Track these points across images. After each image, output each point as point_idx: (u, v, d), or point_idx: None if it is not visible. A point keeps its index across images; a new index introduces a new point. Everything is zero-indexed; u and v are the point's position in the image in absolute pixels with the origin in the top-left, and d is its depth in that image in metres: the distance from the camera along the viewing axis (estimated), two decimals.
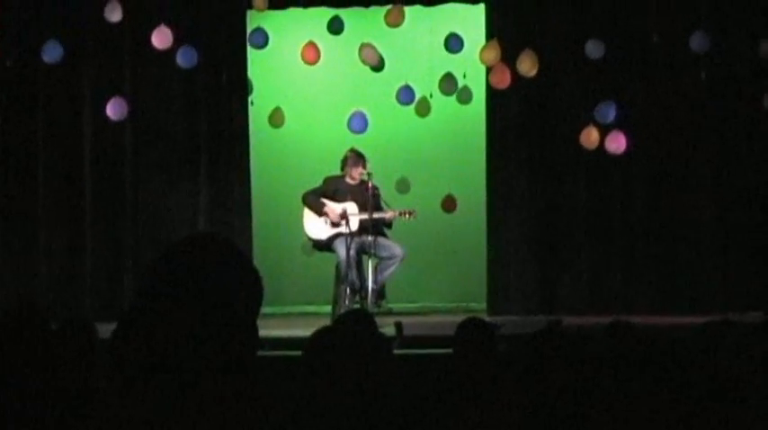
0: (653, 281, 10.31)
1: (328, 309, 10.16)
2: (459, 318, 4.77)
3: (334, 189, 10.20)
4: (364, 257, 10.13)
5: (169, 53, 9.94)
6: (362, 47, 10.37)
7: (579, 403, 3.40)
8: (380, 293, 10.13)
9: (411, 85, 10.50)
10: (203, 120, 10.68)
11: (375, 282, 9.99)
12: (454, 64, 10.46)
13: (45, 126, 10.52)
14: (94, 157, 10.56)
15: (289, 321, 9.73)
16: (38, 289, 10.38)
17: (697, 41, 9.72)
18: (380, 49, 10.46)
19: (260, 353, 2.07)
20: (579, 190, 10.43)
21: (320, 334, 3.50)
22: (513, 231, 10.51)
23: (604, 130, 9.85)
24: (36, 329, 3.30)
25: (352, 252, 9.92)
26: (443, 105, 10.77)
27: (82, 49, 10.33)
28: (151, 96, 10.58)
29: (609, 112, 9.85)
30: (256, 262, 9.05)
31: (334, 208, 10.10)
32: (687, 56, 9.91)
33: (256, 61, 10.75)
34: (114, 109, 10.00)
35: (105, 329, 4.18)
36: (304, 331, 5.36)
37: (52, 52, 9.85)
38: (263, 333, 2.11)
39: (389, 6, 10.17)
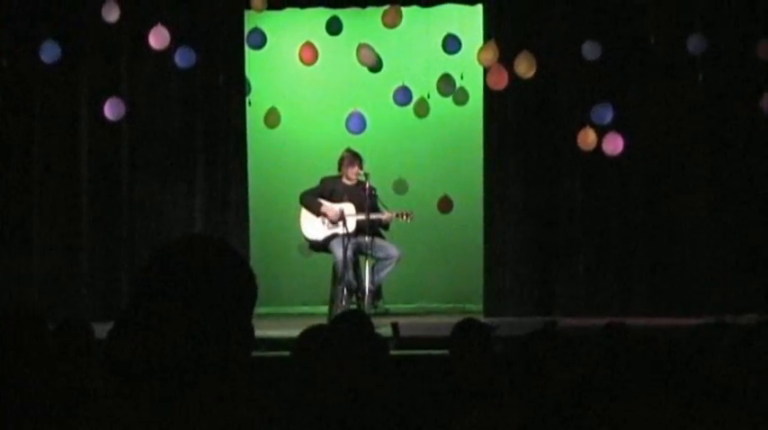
0: (649, 282, 10.32)
1: (325, 309, 10.16)
2: (456, 319, 4.78)
3: (330, 189, 10.20)
4: (361, 258, 10.13)
5: (166, 53, 9.94)
6: (360, 47, 10.38)
7: (575, 405, 3.41)
8: (377, 294, 10.13)
9: (408, 85, 10.50)
10: (200, 121, 10.69)
11: (372, 282, 9.99)
12: (452, 65, 10.46)
13: (41, 126, 10.52)
14: (91, 157, 10.55)
15: (285, 322, 9.72)
16: (34, 289, 10.37)
17: (694, 43, 9.73)
18: (378, 50, 10.47)
19: (256, 353, 2.08)
20: (576, 191, 10.44)
21: (308, 333, 3.51)
22: (509, 232, 10.52)
23: (601, 132, 9.86)
24: (32, 330, 3.30)
25: (349, 253, 9.92)
26: (441, 106, 10.77)
27: (79, 49, 10.33)
28: (148, 96, 10.58)
29: (606, 114, 9.86)
30: (253, 262, 9.04)
31: (331, 207, 10.10)
32: (684, 58, 9.92)
33: (254, 62, 10.75)
34: (112, 109, 10.00)
35: (102, 330, 4.20)
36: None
37: (50, 52, 9.85)
38: (259, 333, 2.12)
39: (387, 7, 10.18)
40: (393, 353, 6.30)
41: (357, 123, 10.47)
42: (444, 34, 10.39)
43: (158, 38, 9.83)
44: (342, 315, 4.85)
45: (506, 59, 9.85)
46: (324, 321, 7.21)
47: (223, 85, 10.56)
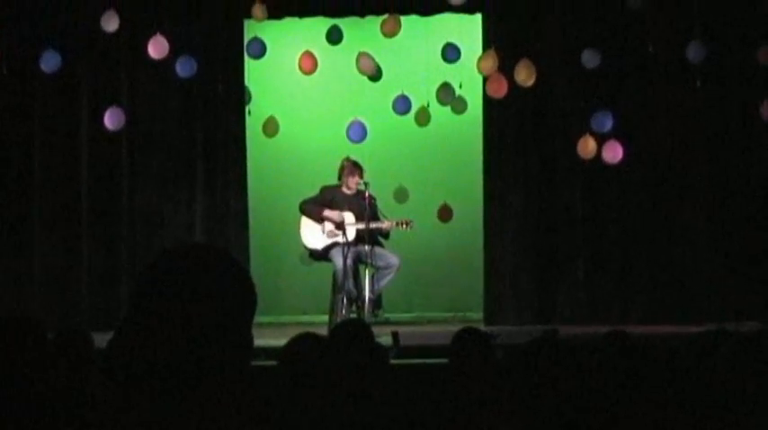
0: (649, 290, 10.31)
1: (325, 318, 10.15)
2: (456, 328, 4.78)
3: (330, 198, 10.20)
4: (361, 267, 10.13)
5: (166, 63, 9.94)
6: (359, 56, 10.39)
7: (576, 413, 3.40)
8: (377, 303, 10.12)
9: (407, 94, 10.51)
10: (200, 130, 10.69)
11: (372, 291, 9.98)
12: (451, 74, 10.47)
13: (41, 135, 10.52)
14: (91, 167, 10.56)
15: (285, 331, 9.68)
16: (34, 298, 10.37)
17: (693, 51, 9.73)
18: (377, 59, 10.47)
19: (256, 362, 2.07)
20: (576, 199, 10.43)
21: (296, 341, 3.50)
22: (509, 241, 10.51)
23: (601, 140, 9.86)
24: (32, 339, 3.30)
25: (349, 261, 9.92)
26: (441, 115, 10.78)
27: (78, 59, 10.33)
28: (147, 106, 10.58)
29: (605, 122, 9.87)
30: (253, 271, 9.04)
31: (333, 212, 10.09)
32: (683, 65, 9.93)
33: (254, 71, 10.76)
34: (112, 119, 10.00)
35: (101, 339, 4.19)
36: None
37: (51, 61, 9.86)
38: (259, 342, 2.11)
39: (386, 16, 10.18)
40: (393, 361, 6.30)
41: (358, 132, 10.47)
42: (443, 43, 10.39)
43: (157, 47, 9.84)
44: (342, 324, 4.85)
45: (506, 68, 9.85)
46: (324, 330, 7.22)
47: (222, 94, 10.56)
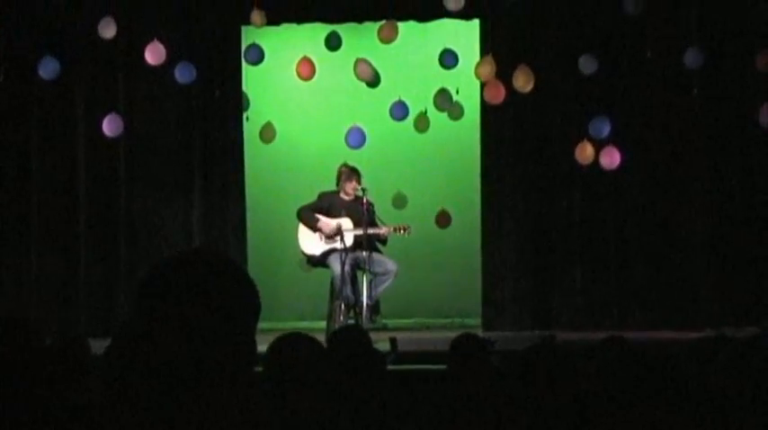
0: (647, 296, 10.31)
1: (322, 324, 10.14)
2: (454, 334, 4.77)
3: (328, 204, 10.20)
4: (359, 273, 10.12)
5: (164, 69, 9.94)
6: (357, 62, 10.39)
7: (574, 418, 3.39)
8: (375, 309, 10.11)
9: (405, 100, 10.52)
10: (198, 136, 10.69)
11: (369, 297, 9.98)
12: (448, 79, 10.47)
13: (39, 141, 10.52)
14: (88, 173, 10.55)
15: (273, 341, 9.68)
16: (31, 304, 10.36)
17: (691, 57, 9.74)
18: (375, 65, 10.48)
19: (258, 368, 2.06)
20: (573, 205, 10.43)
21: (281, 341, 3.49)
22: (507, 247, 10.51)
23: (599, 145, 9.86)
24: (29, 345, 3.29)
25: (347, 267, 9.91)
26: (438, 121, 10.78)
27: (76, 65, 10.33)
28: (145, 112, 10.58)
29: (603, 128, 9.87)
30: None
31: (327, 222, 10.09)
32: (681, 71, 9.93)
33: (252, 77, 10.75)
34: (110, 125, 10.00)
35: (98, 345, 4.18)
36: None
37: (49, 68, 9.86)
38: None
39: (383, 22, 10.19)
40: (391, 367, 6.29)
41: (357, 138, 10.48)
42: (441, 49, 10.40)
43: (154, 53, 9.84)
44: (340, 330, 4.84)
45: (503, 74, 9.86)
46: (322, 336, 7.21)
47: (220, 100, 10.57)
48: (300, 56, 10.39)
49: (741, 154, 10.26)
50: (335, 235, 10.03)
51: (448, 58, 10.30)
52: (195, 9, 10.46)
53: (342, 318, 9.94)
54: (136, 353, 1.87)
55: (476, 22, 10.57)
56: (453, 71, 10.38)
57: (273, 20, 10.19)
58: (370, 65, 10.41)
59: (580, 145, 9.86)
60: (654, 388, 3.21)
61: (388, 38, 10.14)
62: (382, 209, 10.46)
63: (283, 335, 3.55)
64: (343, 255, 9.91)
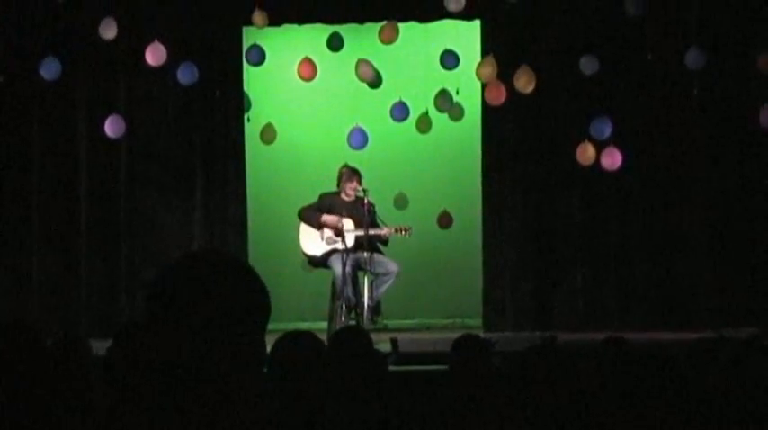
0: (648, 297, 10.31)
1: (324, 325, 10.14)
2: (455, 335, 4.78)
3: (329, 205, 10.20)
4: (360, 274, 10.12)
5: (165, 70, 9.95)
6: (359, 63, 10.40)
7: (575, 419, 3.40)
8: (376, 310, 10.11)
9: (406, 101, 10.52)
10: (199, 137, 10.69)
11: (371, 298, 9.98)
12: (449, 80, 10.47)
13: (40, 142, 10.52)
14: (89, 174, 10.56)
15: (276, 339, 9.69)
16: (33, 305, 10.36)
17: (692, 58, 9.74)
18: (377, 66, 10.48)
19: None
20: (574, 206, 10.43)
21: (281, 340, 3.49)
22: (508, 247, 10.51)
23: (600, 146, 9.86)
24: (30, 346, 3.29)
25: (348, 268, 9.91)
26: (440, 121, 10.78)
27: (76, 66, 10.33)
28: (146, 113, 10.59)
29: (604, 128, 9.87)
30: None
31: (331, 216, 10.08)
32: (682, 72, 9.93)
33: (253, 78, 10.76)
34: (112, 126, 10.01)
35: (100, 346, 4.19)
36: None
37: (51, 69, 9.86)
38: None
39: (384, 23, 10.19)
40: (392, 368, 6.29)
41: (359, 139, 10.47)
42: (442, 50, 10.40)
43: (155, 54, 9.84)
44: (341, 331, 4.85)
45: (504, 74, 9.86)
46: (323, 337, 7.22)
47: (222, 101, 10.57)
48: (301, 57, 10.39)
49: (742, 155, 10.26)
50: (339, 230, 10.01)
51: (449, 59, 10.30)
52: (196, 10, 10.46)
53: (343, 318, 9.94)
54: (138, 354, 1.88)
55: (477, 23, 10.57)
56: (454, 72, 10.38)
57: (275, 21, 10.19)
58: (371, 65, 10.41)
59: (581, 146, 9.86)
60: (653, 388, 3.21)
61: (388, 39, 10.14)
62: (384, 209, 10.46)
63: (288, 332, 3.56)
64: (345, 255, 9.91)
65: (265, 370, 3.35)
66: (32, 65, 9.95)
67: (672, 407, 3.25)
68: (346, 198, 10.22)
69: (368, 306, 9.94)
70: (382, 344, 7.51)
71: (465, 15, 10.12)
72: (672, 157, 10.30)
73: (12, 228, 10.49)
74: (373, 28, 10.37)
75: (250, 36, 10.54)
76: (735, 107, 10.18)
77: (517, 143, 10.50)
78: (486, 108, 10.32)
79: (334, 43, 10.42)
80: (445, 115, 10.64)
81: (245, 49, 10.48)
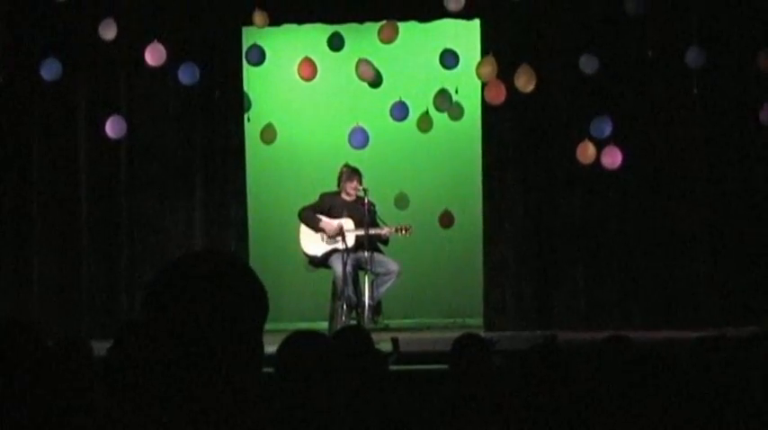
0: (649, 295, 10.31)
1: (324, 325, 10.14)
2: (456, 334, 4.78)
3: (329, 205, 10.20)
4: (360, 273, 10.13)
5: (165, 70, 9.95)
6: (359, 63, 10.39)
7: (576, 418, 3.40)
8: (377, 309, 10.12)
9: (406, 100, 10.52)
10: (199, 137, 10.70)
11: (371, 297, 9.98)
12: (449, 80, 10.47)
13: (40, 143, 10.53)
14: (90, 174, 10.56)
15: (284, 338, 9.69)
16: (33, 306, 10.36)
17: (692, 56, 9.74)
18: (377, 65, 10.48)
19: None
20: (575, 205, 10.43)
21: (289, 340, 3.49)
22: (508, 246, 10.51)
23: (600, 145, 9.86)
24: (31, 347, 3.29)
25: (349, 268, 9.91)
26: (440, 121, 10.78)
27: (76, 67, 10.33)
28: (146, 113, 10.59)
29: (604, 127, 9.87)
30: None
31: (329, 222, 10.10)
32: (682, 71, 9.93)
33: (253, 78, 10.76)
34: (113, 127, 10.00)
35: (100, 347, 4.19)
36: None
37: (51, 69, 9.86)
38: None
39: (384, 22, 10.19)
40: (393, 368, 6.29)
41: (359, 138, 10.47)
42: (442, 49, 10.39)
43: (155, 55, 9.83)
44: (342, 330, 4.85)
45: (504, 74, 9.86)
46: None
47: (222, 101, 10.57)
48: (301, 56, 10.39)
49: (742, 154, 10.26)
50: (337, 235, 10.03)
51: (449, 59, 10.30)
52: (196, 10, 10.46)
53: (343, 318, 9.95)
54: (138, 354, 1.88)
55: (476, 22, 10.57)
56: (454, 71, 10.38)
57: (274, 20, 10.19)
58: (371, 65, 10.41)
59: (581, 145, 9.86)
60: (654, 387, 3.21)
61: (388, 38, 10.14)
62: (384, 209, 10.46)
63: (296, 332, 3.56)
64: (345, 255, 9.91)
65: (271, 370, 3.35)
66: (32, 65, 9.95)
67: (673, 405, 3.25)
68: (347, 198, 10.22)
69: (368, 305, 9.94)
70: (383, 343, 7.50)
71: (465, 15, 10.12)
72: (672, 156, 10.30)
73: (12, 228, 10.49)
74: (373, 28, 10.36)
75: (250, 36, 10.54)
76: (735, 106, 10.18)
77: (517, 142, 10.50)
78: (486, 107, 10.32)
79: (335, 43, 10.42)
80: (446, 115, 10.64)
81: (245, 49, 10.48)
